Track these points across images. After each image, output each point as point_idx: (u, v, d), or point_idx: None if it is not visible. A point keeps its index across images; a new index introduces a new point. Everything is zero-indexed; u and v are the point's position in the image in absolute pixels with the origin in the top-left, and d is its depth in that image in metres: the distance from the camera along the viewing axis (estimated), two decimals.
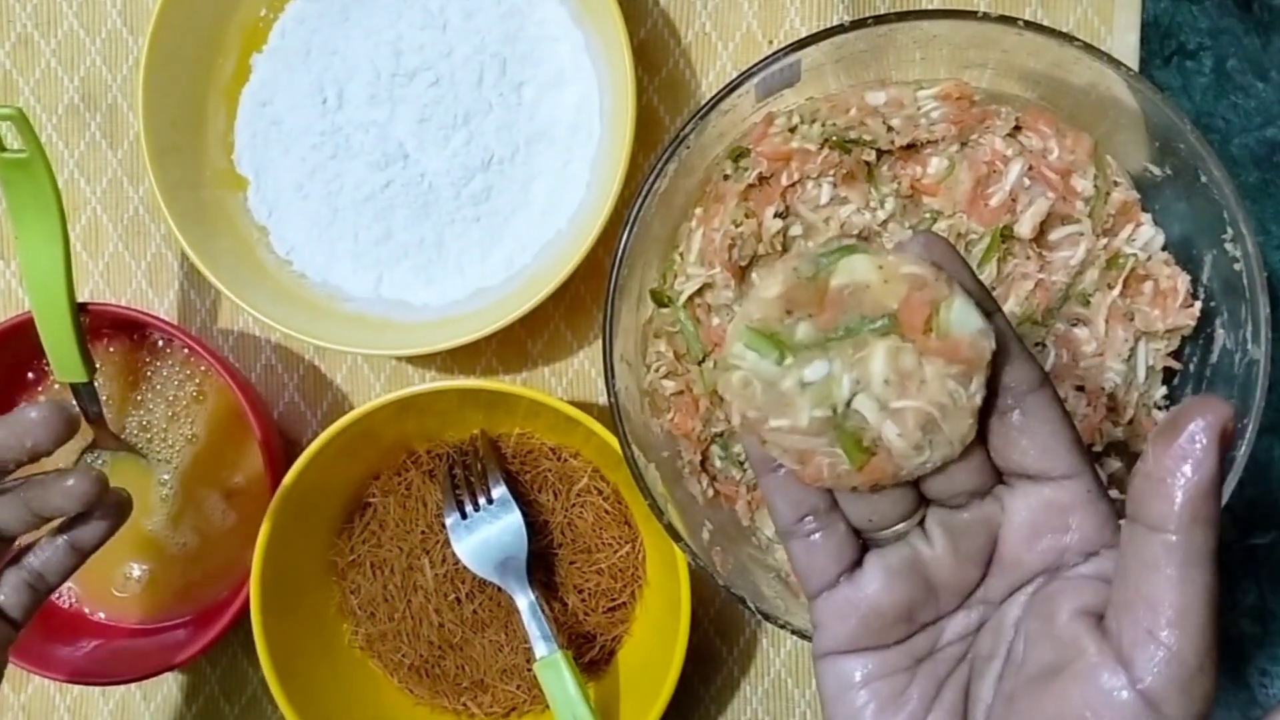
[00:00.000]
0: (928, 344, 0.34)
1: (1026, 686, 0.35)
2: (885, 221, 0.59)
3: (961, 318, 0.34)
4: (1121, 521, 0.34)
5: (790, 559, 0.39)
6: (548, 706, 0.64)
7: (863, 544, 0.38)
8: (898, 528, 0.38)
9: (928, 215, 0.59)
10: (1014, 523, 0.36)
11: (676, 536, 0.56)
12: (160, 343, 0.69)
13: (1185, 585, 0.31)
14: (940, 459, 0.36)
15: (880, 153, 0.59)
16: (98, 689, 0.72)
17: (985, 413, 0.35)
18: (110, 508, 0.54)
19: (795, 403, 0.35)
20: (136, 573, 0.70)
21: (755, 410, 0.35)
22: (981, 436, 0.36)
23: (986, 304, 0.35)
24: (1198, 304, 0.57)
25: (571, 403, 0.62)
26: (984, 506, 0.37)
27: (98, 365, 0.67)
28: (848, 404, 0.35)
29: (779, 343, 0.35)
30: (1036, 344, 0.58)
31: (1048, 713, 0.34)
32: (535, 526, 0.67)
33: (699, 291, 0.59)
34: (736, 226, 0.58)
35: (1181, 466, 0.31)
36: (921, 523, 0.38)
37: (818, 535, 0.37)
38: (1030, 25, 0.53)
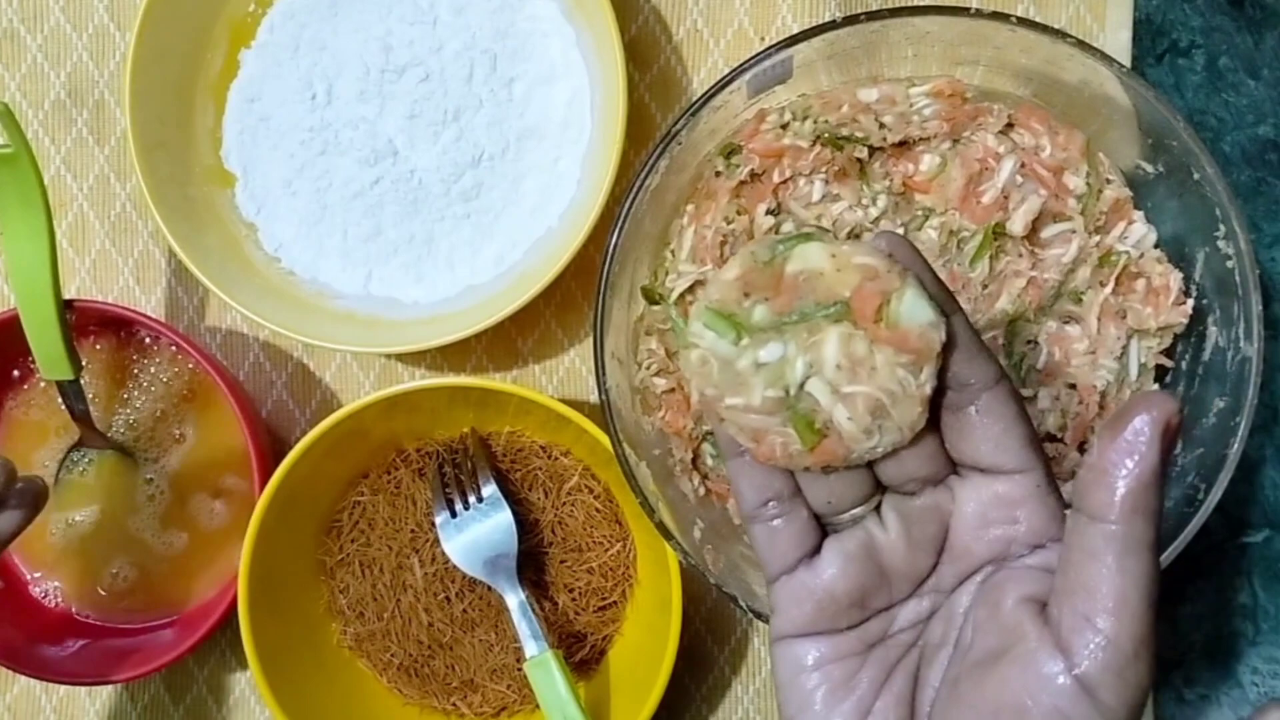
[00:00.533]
0: (878, 332, 0.35)
1: (970, 671, 0.35)
2: (877, 219, 0.59)
3: (911, 309, 0.35)
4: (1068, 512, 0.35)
5: (753, 543, 0.40)
6: (538, 706, 0.63)
7: (823, 533, 0.39)
8: (854, 512, 0.39)
9: (920, 213, 0.59)
10: (964, 512, 0.37)
11: (668, 535, 0.55)
12: (147, 340, 0.69)
13: (1123, 574, 0.32)
14: (889, 444, 0.37)
15: (872, 150, 0.59)
16: (84, 689, 0.72)
17: (940, 405, 0.36)
18: (23, 496, 0.54)
19: (749, 382, 0.36)
20: (124, 572, 0.70)
21: (712, 388, 0.37)
22: (936, 426, 0.37)
23: (947, 305, 0.36)
24: (1190, 301, 0.57)
25: (562, 400, 0.61)
26: (937, 494, 0.38)
27: (84, 363, 0.67)
28: (801, 386, 0.36)
29: (736, 323, 0.36)
30: (1029, 341, 0.58)
31: (988, 696, 0.34)
32: (525, 525, 0.66)
33: (690, 289, 0.59)
34: (728, 223, 0.58)
35: (1125, 459, 0.32)
36: (878, 509, 0.39)
37: (779, 520, 0.38)
38: (1023, 22, 0.53)
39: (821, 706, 0.38)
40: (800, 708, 0.38)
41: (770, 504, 0.39)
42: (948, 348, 0.35)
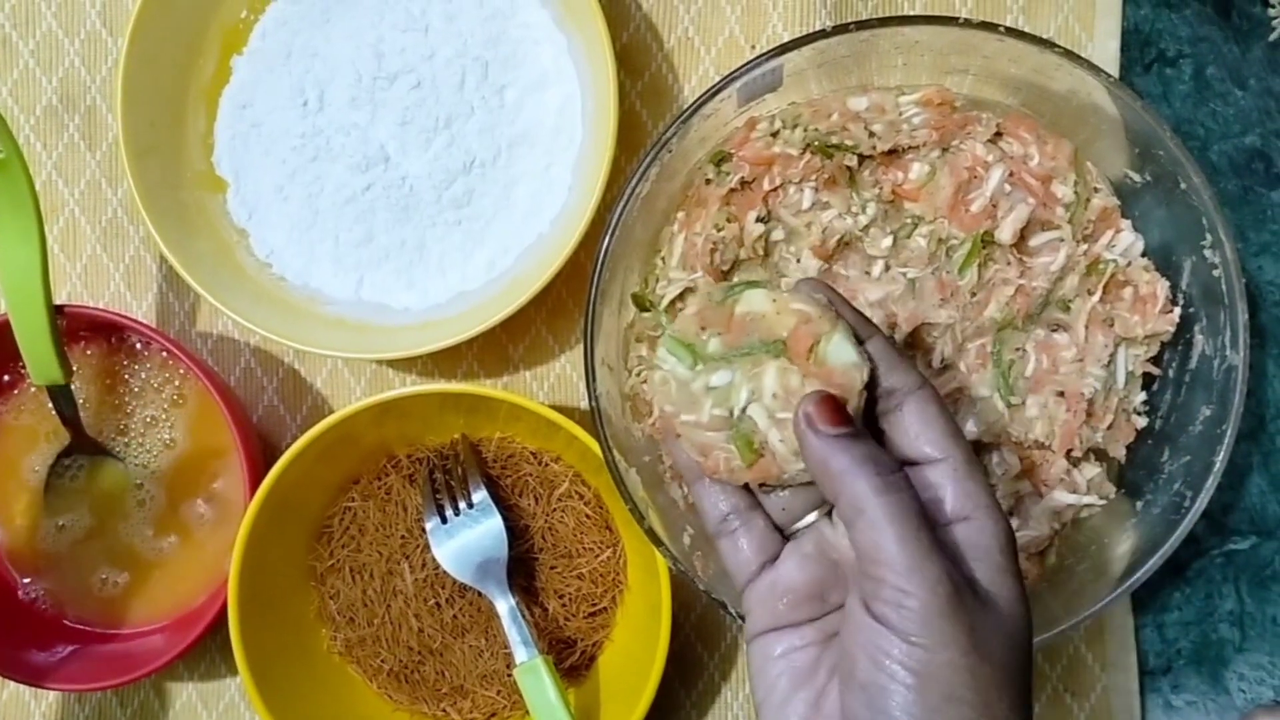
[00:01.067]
0: (809, 368, 0.41)
1: None
2: (866, 226, 0.59)
3: (837, 352, 0.41)
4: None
5: (722, 559, 0.46)
6: (528, 712, 0.63)
7: (783, 543, 0.45)
8: (808, 519, 0.45)
9: (909, 220, 0.59)
10: None
11: (657, 541, 0.55)
12: (138, 345, 0.69)
13: (869, 529, 0.38)
14: None
15: (862, 158, 0.59)
16: (74, 695, 0.72)
17: (874, 415, 0.43)
18: None
19: (701, 402, 0.43)
20: (114, 578, 0.70)
21: (670, 404, 0.43)
22: (877, 435, 0.43)
23: (865, 330, 0.43)
24: (1177, 310, 0.58)
25: (553, 407, 0.62)
26: None
27: (75, 368, 0.67)
28: (744, 410, 0.42)
29: (693, 351, 0.43)
30: (1017, 349, 0.59)
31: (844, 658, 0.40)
32: (516, 531, 0.66)
33: (681, 295, 0.59)
34: (718, 231, 0.58)
35: (806, 457, 0.40)
36: (830, 513, 0.45)
37: (739, 530, 0.45)
38: (1011, 32, 0.53)
39: (785, 690, 0.42)
40: (767, 692, 0.43)
41: (729, 517, 0.45)
42: (876, 370, 0.42)
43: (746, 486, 0.45)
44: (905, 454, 0.42)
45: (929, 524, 0.38)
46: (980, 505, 0.40)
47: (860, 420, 0.42)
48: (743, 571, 0.45)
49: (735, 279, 0.59)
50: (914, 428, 0.41)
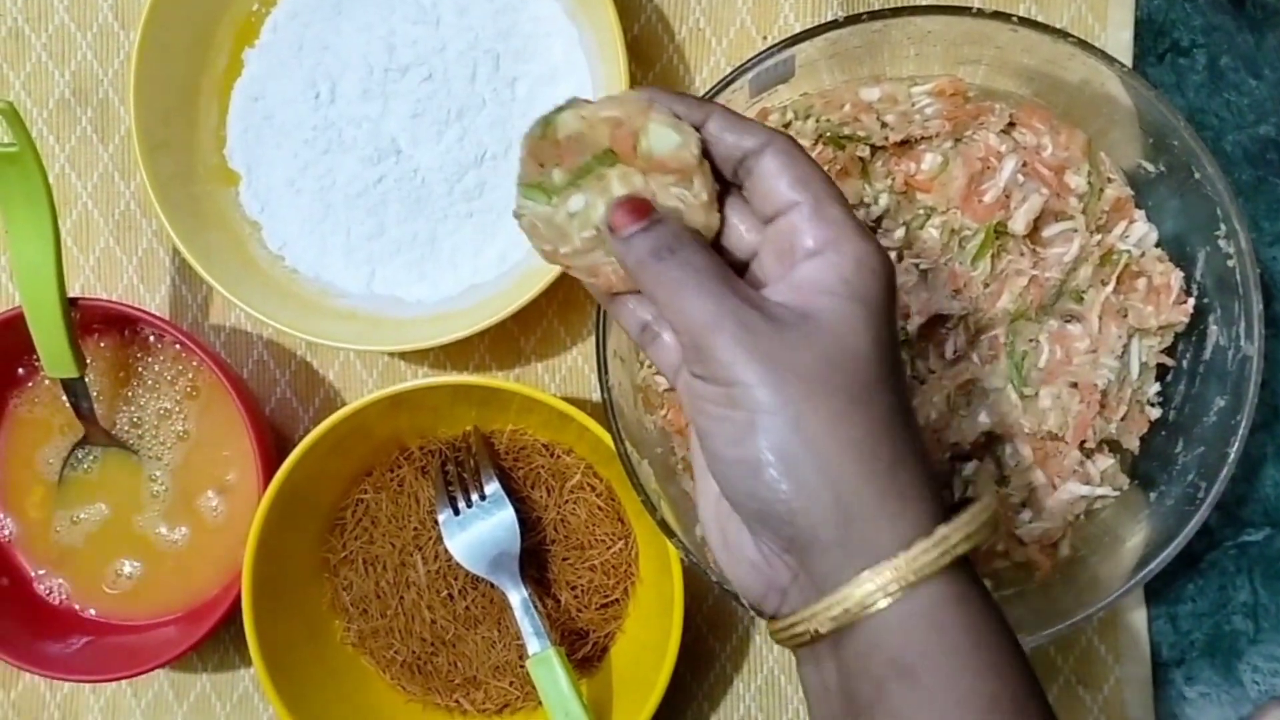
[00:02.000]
0: (643, 165, 0.42)
1: None
2: (879, 218, 0.59)
3: (658, 140, 0.42)
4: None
5: (654, 363, 0.47)
6: (540, 703, 0.63)
7: None
8: None
9: (922, 211, 0.59)
10: (766, 258, 0.42)
11: (670, 533, 0.56)
12: (151, 338, 0.69)
13: (663, 309, 0.41)
14: None
15: (874, 149, 0.59)
16: (88, 686, 0.72)
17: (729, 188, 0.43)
18: None
19: (568, 230, 0.43)
20: (128, 569, 0.70)
21: (547, 244, 0.44)
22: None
23: (701, 111, 0.42)
24: (1191, 300, 0.57)
25: (565, 399, 0.62)
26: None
27: (88, 361, 0.67)
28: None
29: (543, 189, 0.44)
30: (1031, 340, 0.58)
31: None
32: (528, 523, 0.67)
33: None
34: None
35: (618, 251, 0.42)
36: None
37: (661, 334, 0.45)
38: (1024, 21, 0.53)
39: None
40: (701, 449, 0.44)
41: (649, 325, 0.45)
42: (711, 150, 0.42)
43: None
44: (765, 210, 0.42)
45: (717, 275, 0.40)
46: (829, 240, 0.40)
47: (714, 201, 0.43)
48: (669, 368, 0.45)
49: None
50: (769, 179, 0.41)
